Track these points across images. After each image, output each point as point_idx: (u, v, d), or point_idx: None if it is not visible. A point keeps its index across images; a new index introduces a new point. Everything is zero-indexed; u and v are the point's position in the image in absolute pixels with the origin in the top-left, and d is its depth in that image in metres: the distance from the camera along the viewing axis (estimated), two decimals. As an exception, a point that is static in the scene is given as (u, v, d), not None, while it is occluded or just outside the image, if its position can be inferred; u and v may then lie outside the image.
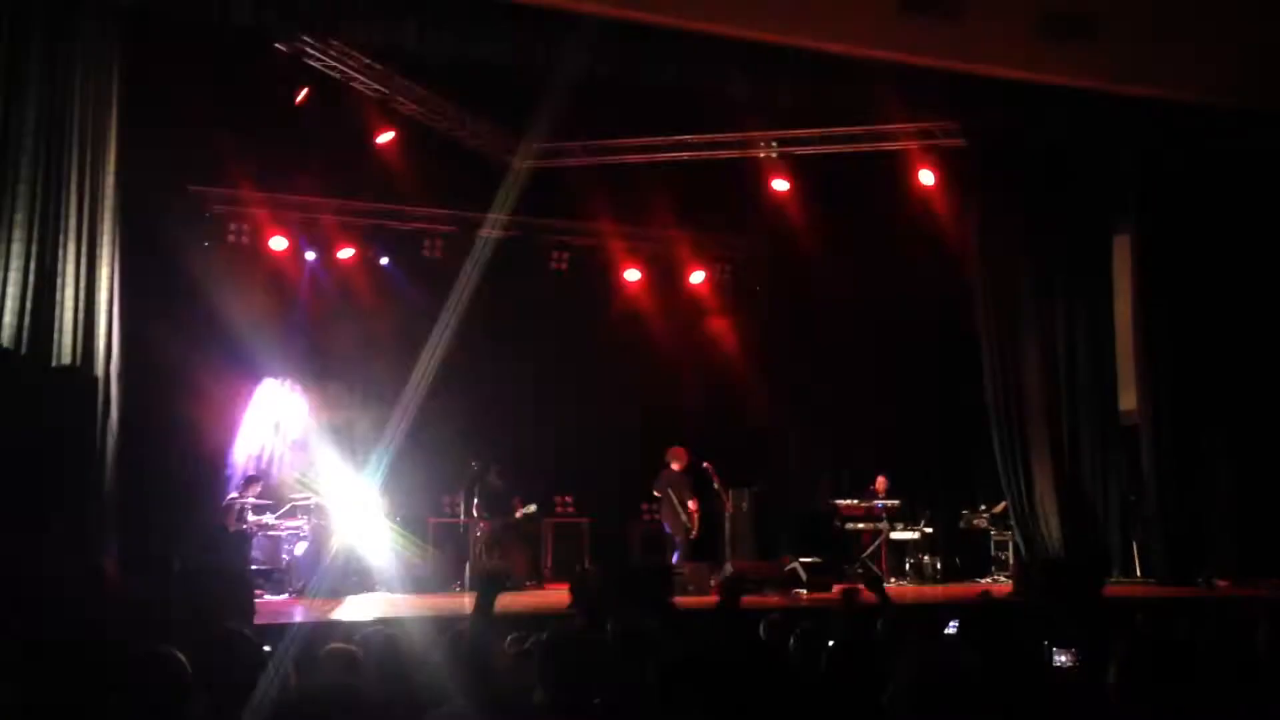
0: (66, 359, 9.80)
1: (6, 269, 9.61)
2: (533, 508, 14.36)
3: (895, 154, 14.45)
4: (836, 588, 13.21)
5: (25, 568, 8.31)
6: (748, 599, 11.05)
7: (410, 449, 14.70)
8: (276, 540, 12.83)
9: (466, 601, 12.20)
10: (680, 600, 11.20)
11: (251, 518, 12.78)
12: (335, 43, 12.24)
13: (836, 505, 15.17)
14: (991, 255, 14.62)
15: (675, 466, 14.00)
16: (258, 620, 9.29)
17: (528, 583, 13.58)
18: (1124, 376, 14.45)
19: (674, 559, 13.73)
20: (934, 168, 14.29)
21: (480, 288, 15.76)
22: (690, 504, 13.84)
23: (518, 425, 15.69)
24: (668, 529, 14.11)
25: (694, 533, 13.83)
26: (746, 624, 6.87)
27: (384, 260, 15.42)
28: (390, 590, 13.09)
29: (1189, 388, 13.92)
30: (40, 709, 3.65)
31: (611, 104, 13.45)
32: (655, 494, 14.18)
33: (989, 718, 3.45)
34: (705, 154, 14.95)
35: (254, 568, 12.50)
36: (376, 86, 13.31)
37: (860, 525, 15.03)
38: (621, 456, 15.77)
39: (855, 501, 15.16)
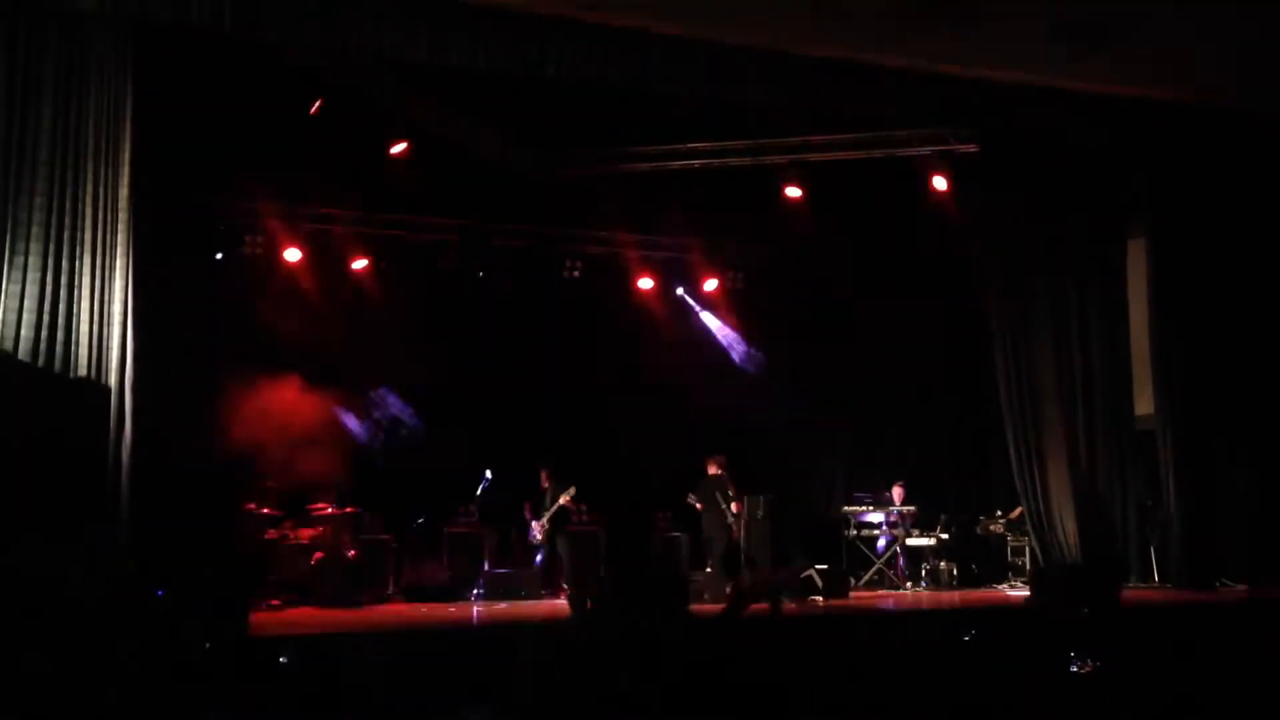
0: (82, 371, 9.84)
1: (24, 281, 9.66)
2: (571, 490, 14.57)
3: (908, 160, 14.42)
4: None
5: (42, 578, 8.34)
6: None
7: (425, 457, 14.74)
8: (294, 550, 12.84)
9: (481, 610, 12.23)
10: (697, 608, 11.22)
11: (268, 527, 12.80)
12: (348, 54, 12.27)
13: (852, 512, 15.14)
14: (1005, 260, 14.60)
15: (713, 470, 14.09)
16: (276, 632, 9.33)
17: (542, 591, 13.59)
18: (1139, 381, 14.40)
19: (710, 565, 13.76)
20: (947, 174, 14.25)
21: (494, 297, 15.84)
22: (734, 506, 13.91)
23: (531, 433, 15.69)
24: (706, 534, 14.08)
25: (736, 533, 13.87)
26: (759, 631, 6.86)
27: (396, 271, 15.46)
28: (408, 599, 13.14)
29: (1204, 391, 13.86)
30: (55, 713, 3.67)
31: (624, 112, 13.47)
32: (697, 504, 14.13)
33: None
34: (718, 162, 14.94)
35: (271, 579, 12.52)
36: (389, 97, 13.34)
37: (876, 532, 15.01)
38: (637, 464, 15.77)
39: (871, 508, 15.14)
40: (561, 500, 13.91)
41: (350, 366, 14.83)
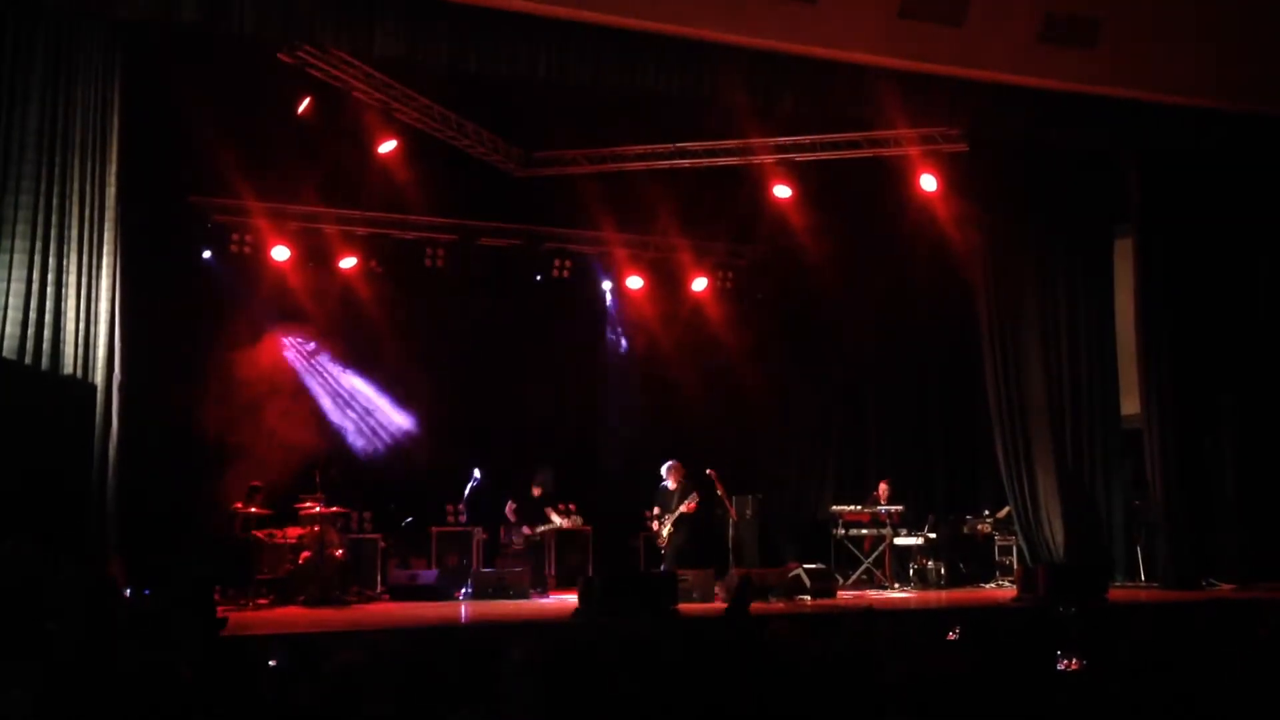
0: (69, 369, 9.81)
1: (9, 279, 9.64)
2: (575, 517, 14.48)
3: (897, 159, 14.45)
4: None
5: (28, 578, 8.31)
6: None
7: (414, 457, 14.72)
8: (281, 549, 12.82)
9: (469, 609, 12.22)
10: (684, 607, 11.22)
11: (255, 527, 12.77)
12: (337, 52, 12.26)
13: (840, 511, 15.15)
14: (994, 260, 14.63)
15: (668, 484, 13.82)
16: (263, 631, 9.31)
17: (532, 591, 13.56)
18: (1126, 380, 14.44)
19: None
20: (936, 173, 14.28)
21: (482, 296, 15.82)
22: (656, 524, 13.68)
23: (520, 432, 15.70)
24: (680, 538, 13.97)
25: (661, 543, 13.72)
26: (751, 630, 6.86)
27: (384, 270, 15.37)
28: (393, 599, 13.13)
29: (1191, 391, 13.90)
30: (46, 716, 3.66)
31: (613, 112, 13.48)
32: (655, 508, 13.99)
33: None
34: (707, 161, 14.97)
35: (259, 577, 12.49)
36: (378, 96, 13.34)
37: (864, 531, 15.01)
38: (625, 463, 15.78)
39: (858, 507, 15.14)
40: (684, 508, 13.40)
41: (339, 367, 14.81)
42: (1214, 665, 4.35)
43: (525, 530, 14.16)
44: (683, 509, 13.35)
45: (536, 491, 14.38)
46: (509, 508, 14.29)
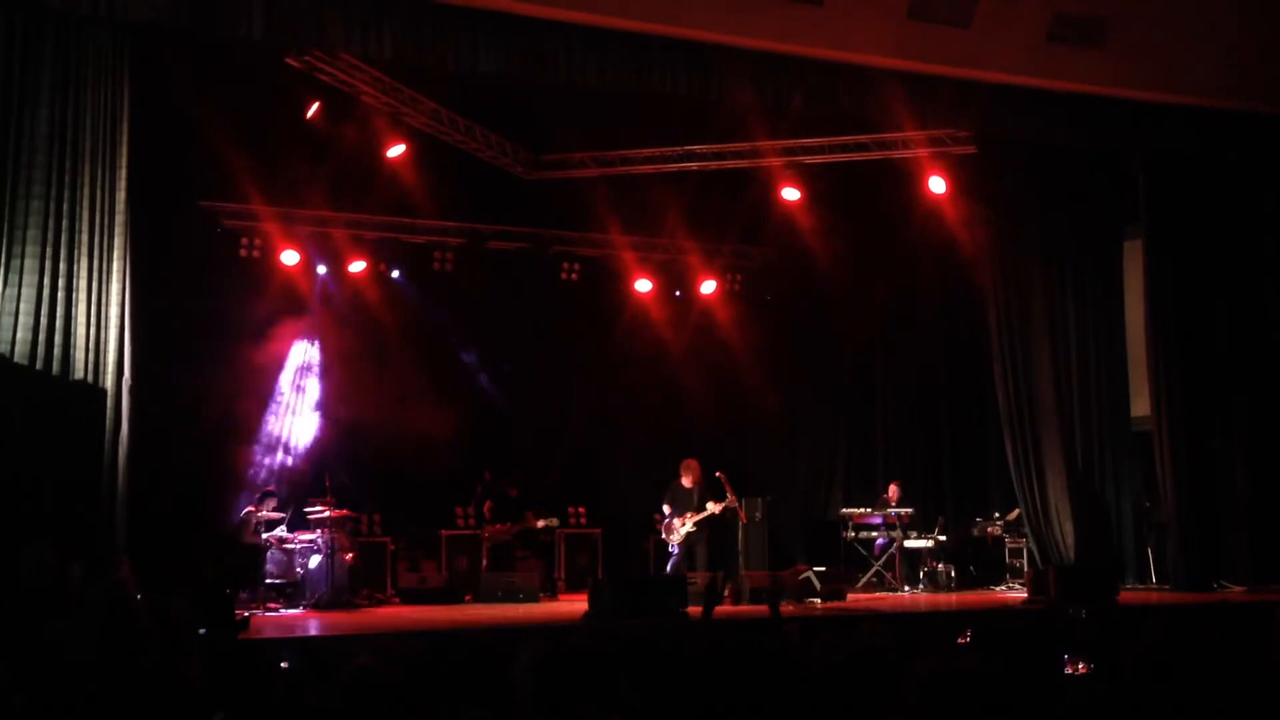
0: (79, 373, 9.82)
1: (20, 284, 9.64)
2: (555, 521, 14.37)
3: (906, 161, 14.44)
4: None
5: (39, 582, 8.33)
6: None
7: (423, 460, 14.73)
8: (291, 553, 12.84)
9: (479, 612, 12.22)
10: (693, 610, 11.21)
11: (266, 531, 12.80)
12: (345, 56, 12.28)
13: (849, 514, 15.13)
14: (1003, 261, 14.62)
15: (684, 482, 13.72)
16: (272, 634, 9.33)
17: (541, 594, 13.56)
18: (1136, 382, 14.41)
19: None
20: (944, 175, 14.26)
21: (491, 299, 15.83)
22: (679, 520, 13.40)
23: (530, 435, 15.71)
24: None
25: (674, 539, 13.51)
26: (762, 632, 6.85)
27: (395, 274, 15.38)
28: (403, 602, 13.14)
29: (1202, 392, 13.87)
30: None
31: (621, 114, 13.48)
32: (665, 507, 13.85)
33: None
34: (715, 164, 14.96)
35: (269, 581, 12.52)
36: (386, 100, 13.36)
37: (873, 534, 14.99)
38: (634, 466, 15.77)
39: (868, 510, 15.12)
40: (714, 509, 13.22)
41: (346, 369, 14.82)
42: (1225, 667, 4.32)
43: (491, 529, 14.13)
44: (714, 510, 13.28)
45: (513, 492, 14.32)
46: (486, 506, 14.27)
